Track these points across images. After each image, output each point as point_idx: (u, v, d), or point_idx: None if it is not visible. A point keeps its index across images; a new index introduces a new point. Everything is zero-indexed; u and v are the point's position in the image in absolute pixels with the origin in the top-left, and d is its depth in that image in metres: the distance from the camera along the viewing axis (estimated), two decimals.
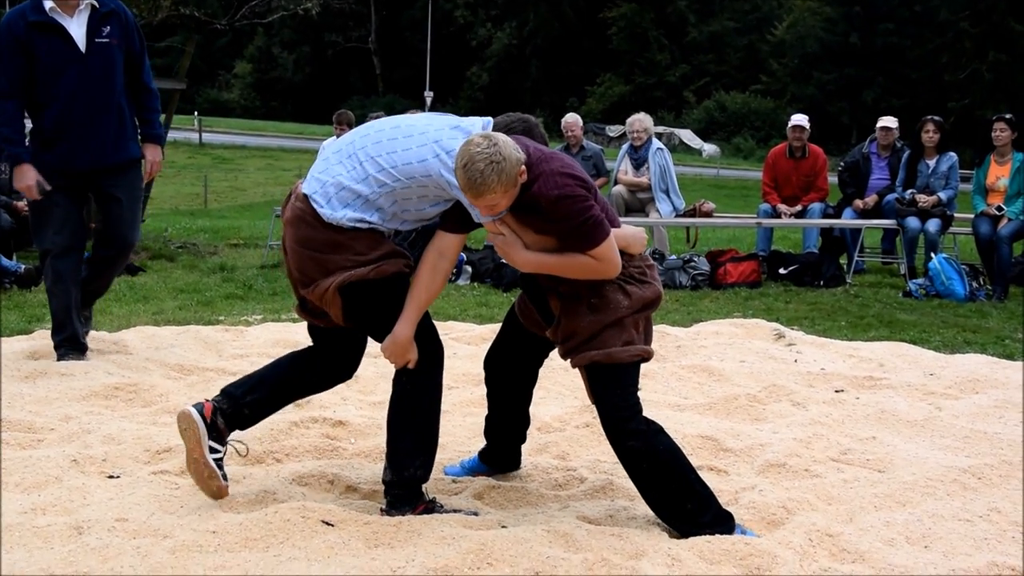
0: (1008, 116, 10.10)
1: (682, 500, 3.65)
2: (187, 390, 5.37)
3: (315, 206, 3.56)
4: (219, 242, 12.73)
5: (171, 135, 12.45)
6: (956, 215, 10.41)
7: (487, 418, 4.24)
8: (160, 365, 5.81)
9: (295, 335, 6.78)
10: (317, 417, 4.86)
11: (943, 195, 10.09)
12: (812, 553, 3.51)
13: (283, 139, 40.21)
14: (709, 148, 46.05)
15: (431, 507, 3.73)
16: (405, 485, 3.71)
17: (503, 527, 3.64)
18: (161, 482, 4.02)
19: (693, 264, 10.03)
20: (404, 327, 3.61)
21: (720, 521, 3.64)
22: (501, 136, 3.39)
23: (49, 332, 6.06)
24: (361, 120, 11.87)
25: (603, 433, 4.78)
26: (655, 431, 3.67)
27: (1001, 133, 9.83)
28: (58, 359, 5.82)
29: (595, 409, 5.09)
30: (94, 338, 6.37)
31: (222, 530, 3.50)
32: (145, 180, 6.15)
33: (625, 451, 3.66)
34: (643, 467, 3.65)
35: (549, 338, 3.84)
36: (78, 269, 5.93)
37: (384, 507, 3.74)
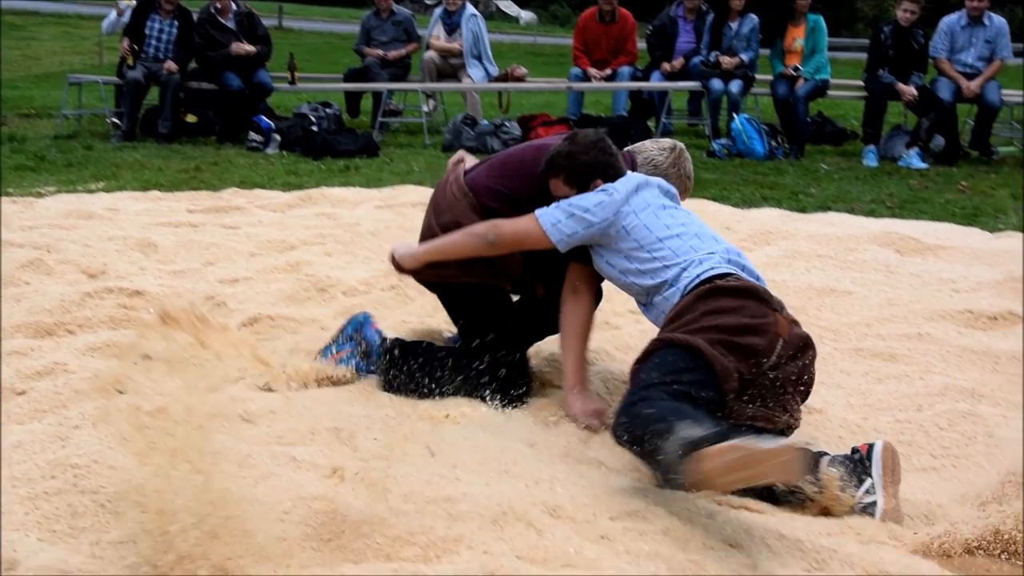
0: None
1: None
2: None
3: None
4: (9, 112, 11.97)
5: None
6: (757, 76, 10.70)
7: None
8: None
9: (89, 206, 6.51)
10: (113, 287, 4.69)
11: (745, 56, 10.32)
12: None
13: (80, 5, 37.68)
14: (526, 15, 45.62)
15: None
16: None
17: None
18: None
19: (505, 129, 10.04)
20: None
21: None
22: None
23: None
24: None
25: (408, 296, 4.85)
26: None
27: (801, 2, 10.10)
28: None
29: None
30: None
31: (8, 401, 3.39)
32: None
33: None
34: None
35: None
36: None
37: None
